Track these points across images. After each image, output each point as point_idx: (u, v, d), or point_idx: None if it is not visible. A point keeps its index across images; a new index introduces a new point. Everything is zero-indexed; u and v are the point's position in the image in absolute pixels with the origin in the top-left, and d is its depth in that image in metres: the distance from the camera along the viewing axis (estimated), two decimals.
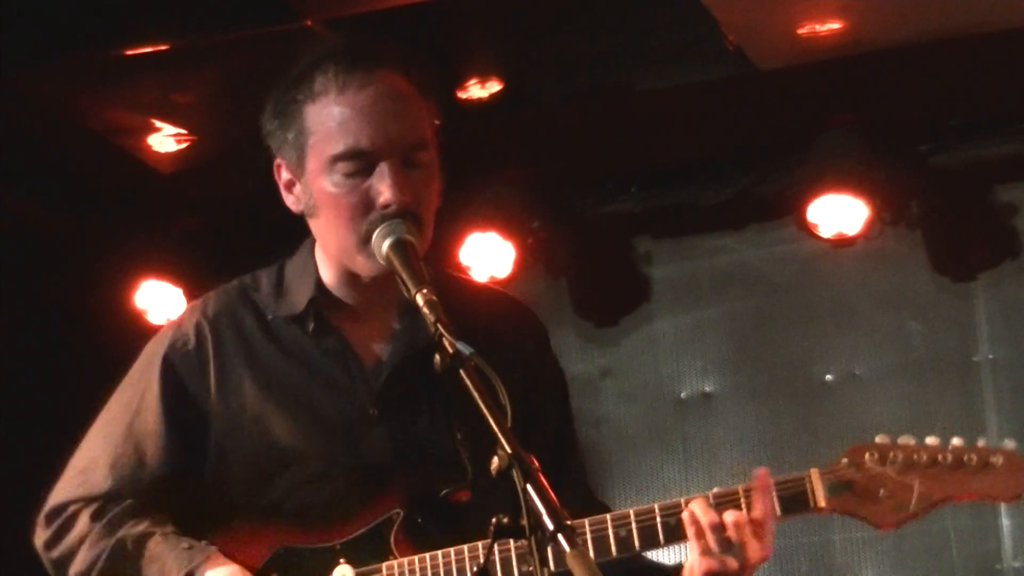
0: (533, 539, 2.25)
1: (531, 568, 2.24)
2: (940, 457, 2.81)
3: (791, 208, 5.72)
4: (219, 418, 2.95)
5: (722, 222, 6.17)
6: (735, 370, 6.11)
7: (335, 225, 2.81)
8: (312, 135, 2.81)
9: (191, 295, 5.72)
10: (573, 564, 2.16)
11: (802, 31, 5.37)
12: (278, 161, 2.90)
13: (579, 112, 5.83)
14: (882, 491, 2.81)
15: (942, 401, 6.03)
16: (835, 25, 5.35)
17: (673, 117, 5.73)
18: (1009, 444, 2.83)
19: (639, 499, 5.59)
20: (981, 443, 2.81)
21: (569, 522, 2.22)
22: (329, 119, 2.81)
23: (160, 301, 5.81)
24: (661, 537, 2.75)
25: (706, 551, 2.72)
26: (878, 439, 2.83)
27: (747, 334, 6.17)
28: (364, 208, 2.77)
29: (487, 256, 5.91)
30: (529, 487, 2.25)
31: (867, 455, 2.81)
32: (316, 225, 2.89)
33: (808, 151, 5.80)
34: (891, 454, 2.81)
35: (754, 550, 2.71)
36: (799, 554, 5.97)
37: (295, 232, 2.98)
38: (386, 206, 2.75)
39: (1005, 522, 5.66)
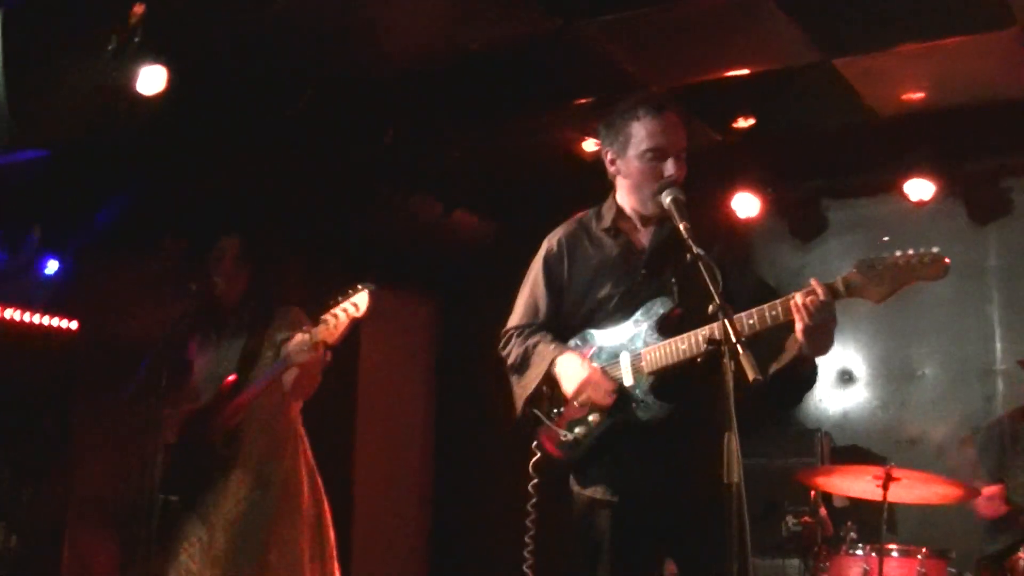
0: (727, 348, 3.27)
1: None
2: (901, 261, 3.52)
3: None
4: (568, 287, 4.07)
5: None
6: None
7: (640, 183, 3.91)
8: (635, 138, 3.90)
9: None
10: (745, 361, 3.20)
11: (903, 97, 6.81)
12: (606, 149, 4.03)
13: (804, 135, 7.35)
14: (873, 283, 3.55)
15: (955, 303, 7.59)
16: (920, 94, 6.78)
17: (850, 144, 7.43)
18: (934, 248, 3.50)
19: None
20: (922, 250, 3.49)
21: (744, 338, 3.27)
22: (645, 131, 3.87)
23: None
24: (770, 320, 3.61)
25: (800, 318, 3.58)
26: (872, 256, 3.53)
27: None
28: (655, 177, 3.86)
29: (744, 207, 8.11)
30: (726, 321, 3.29)
31: (865, 266, 3.54)
32: (625, 182, 4.04)
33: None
34: (875, 264, 3.53)
35: (820, 316, 3.56)
36: None
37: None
38: (671, 177, 3.83)
39: None
